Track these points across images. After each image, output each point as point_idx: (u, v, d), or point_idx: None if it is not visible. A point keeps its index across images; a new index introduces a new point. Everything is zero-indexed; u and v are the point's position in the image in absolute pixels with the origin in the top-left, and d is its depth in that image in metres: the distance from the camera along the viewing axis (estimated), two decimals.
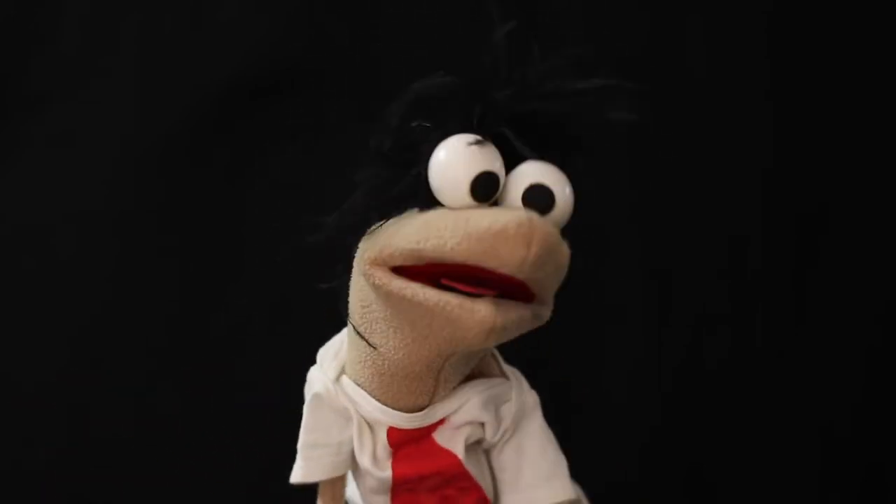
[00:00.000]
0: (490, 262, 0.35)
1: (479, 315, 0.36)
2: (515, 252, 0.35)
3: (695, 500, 0.73)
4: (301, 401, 0.47)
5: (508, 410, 0.44)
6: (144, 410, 0.72)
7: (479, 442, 0.45)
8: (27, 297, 0.72)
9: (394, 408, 0.43)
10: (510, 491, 0.45)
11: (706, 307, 0.73)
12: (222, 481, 0.71)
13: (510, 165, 0.38)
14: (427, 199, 0.38)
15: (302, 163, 0.70)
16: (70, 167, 0.72)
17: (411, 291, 0.37)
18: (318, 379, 0.45)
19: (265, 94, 0.71)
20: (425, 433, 0.43)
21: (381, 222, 0.39)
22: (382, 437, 0.44)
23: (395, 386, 0.42)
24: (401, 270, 0.38)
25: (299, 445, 0.46)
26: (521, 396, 0.45)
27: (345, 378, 0.44)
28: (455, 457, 0.43)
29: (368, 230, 0.40)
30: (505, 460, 0.45)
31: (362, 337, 0.42)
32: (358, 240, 0.41)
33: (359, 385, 0.43)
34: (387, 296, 0.39)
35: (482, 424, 0.44)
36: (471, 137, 0.37)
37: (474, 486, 0.44)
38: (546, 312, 0.39)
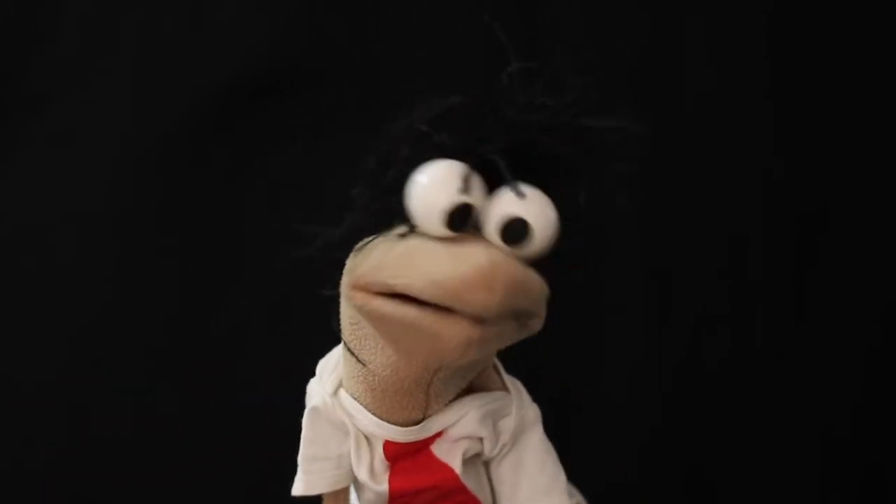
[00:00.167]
0: (455, 305, 0.36)
1: (455, 329, 0.36)
2: (479, 298, 0.35)
3: (695, 500, 0.73)
4: (301, 401, 0.47)
5: (507, 425, 0.44)
6: (144, 410, 0.72)
7: (477, 455, 0.45)
8: (27, 297, 0.72)
9: (389, 421, 0.43)
10: None
11: (706, 307, 0.73)
12: (222, 481, 0.71)
13: (496, 185, 0.38)
14: (408, 223, 0.38)
15: (302, 163, 0.70)
16: (70, 167, 0.72)
17: (390, 309, 0.37)
18: (317, 392, 0.45)
19: (265, 94, 0.71)
20: (423, 446, 0.43)
21: (369, 239, 0.40)
22: (380, 450, 0.44)
23: (388, 401, 0.42)
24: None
25: (299, 458, 0.46)
26: (521, 411, 0.44)
27: (342, 392, 0.44)
28: (452, 471, 0.43)
29: (355, 247, 0.40)
30: (503, 473, 0.45)
31: (353, 353, 0.42)
32: (346, 255, 0.41)
33: (355, 399, 0.44)
34: (368, 315, 0.39)
35: (480, 439, 0.44)
36: (452, 165, 0.37)
37: (472, 500, 0.45)
38: (536, 323, 0.40)
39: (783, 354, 0.73)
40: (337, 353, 0.46)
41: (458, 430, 0.43)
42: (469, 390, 0.44)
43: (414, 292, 0.36)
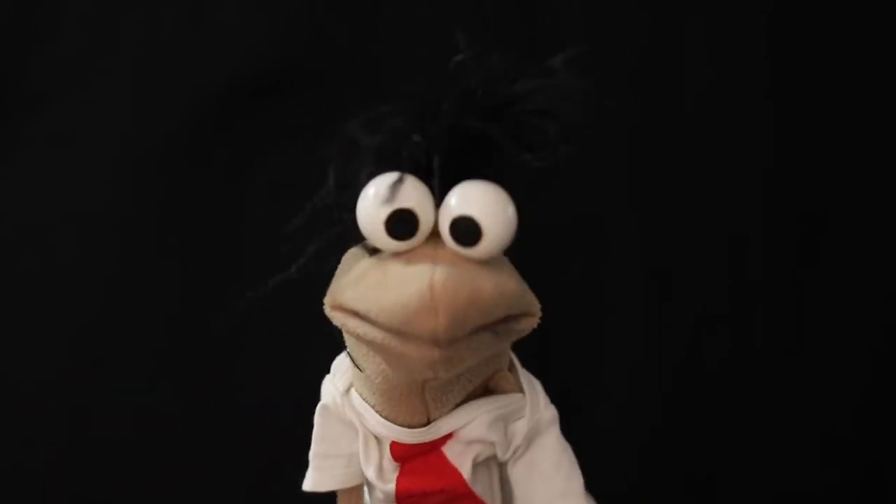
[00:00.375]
0: (408, 331, 0.35)
1: (418, 352, 0.36)
2: (424, 325, 0.35)
3: (695, 500, 0.73)
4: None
5: (520, 428, 0.43)
6: (144, 410, 0.72)
7: (490, 458, 0.44)
8: (27, 297, 0.72)
9: (395, 423, 0.42)
10: None
11: (706, 307, 0.73)
12: (222, 481, 0.71)
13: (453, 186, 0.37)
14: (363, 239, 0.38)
15: (302, 163, 0.70)
16: (70, 167, 0.72)
17: (362, 331, 0.37)
18: (328, 390, 0.45)
19: (265, 94, 0.71)
20: (434, 447, 0.43)
21: (351, 250, 0.40)
22: (388, 450, 0.44)
23: (390, 405, 0.42)
24: None
25: (311, 454, 0.46)
26: (535, 413, 0.44)
27: (353, 391, 0.44)
28: (460, 475, 0.43)
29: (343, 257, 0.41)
30: (519, 476, 0.44)
31: (352, 359, 0.42)
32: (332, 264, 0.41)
33: (364, 399, 0.43)
34: (347, 333, 0.40)
35: (492, 443, 0.43)
36: (389, 175, 0.37)
37: None
38: (526, 322, 0.39)
39: (783, 354, 0.73)
40: None
41: (467, 433, 0.43)
42: (484, 392, 0.43)
43: (370, 318, 0.36)
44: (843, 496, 0.73)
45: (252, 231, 0.72)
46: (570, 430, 0.45)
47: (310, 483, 0.47)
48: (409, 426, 0.42)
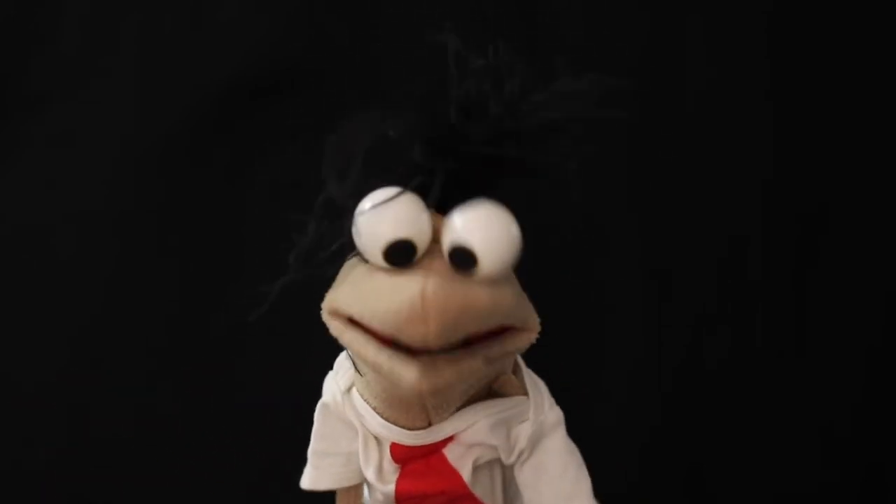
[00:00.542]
0: (401, 337, 0.35)
1: (406, 382, 0.36)
2: (416, 331, 0.35)
3: (695, 500, 0.73)
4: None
5: (524, 431, 0.43)
6: (144, 410, 0.72)
7: (492, 461, 0.44)
8: (27, 297, 0.72)
9: (396, 425, 0.42)
10: None
11: (706, 307, 0.73)
12: (222, 481, 0.71)
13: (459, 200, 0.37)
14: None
15: (302, 163, 0.70)
16: (70, 167, 0.72)
17: (356, 347, 0.38)
18: (329, 388, 0.45)
19: (265, 94, 0.71)
20: (435, 449, 0.43)
21: (352, 255, 0.39)
22: (388, 451, 0.43)
23: (391, 408, 0.42)
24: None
25: (309, 451, 0.46)
26: (539, 416, 0.43)
27: (355, 391, 0.44)
28: (460, 478, 0.43)
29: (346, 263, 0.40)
30: (526, 479, 0.44)
31: (353, 363, 0.42)
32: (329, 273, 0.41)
33: (365, 400, 0.43)
34: (343, 344, 0.39)
35: (494, 446, 0.43)
36: (385, 193, 0.36)
37: None
38: (520, 341, 0.39)
39: (783, 354, 0.73)
40: None
41: (468, 436, 0.42)
42: (488, 394, 0.43)
43: (364, 323, 0.36)
44: (843, 496, 0.73)
45: (252, 231, 0.72)
46: (570, 430, 0.45)
47: (307, 481, 0.46)
48: (410, 428, 0.42)
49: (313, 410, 0.46)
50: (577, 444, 0.45)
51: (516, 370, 0.44)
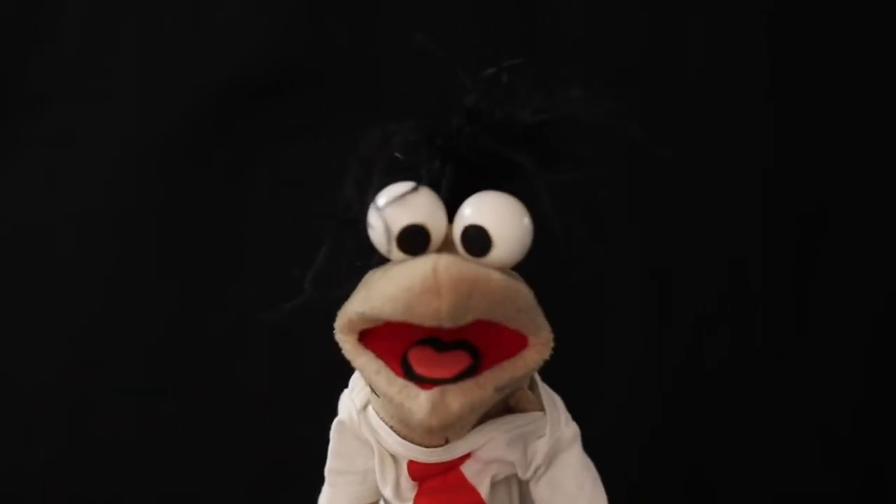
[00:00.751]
0: (412, 318, 0.35)
1: (415, 417, 0.36)
2: (428, 305, 0.35)
3: (695, 500, 0.73)
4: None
5: (541, 447, 0.43)
6: (144, 410, 0.72)
7: (510, 476, 0.44)
8: (27, 297, 0.72)
9: (413, 442, 0.42)
10: None
11: (706, 307, 0.73)
12: (222, 481, 0.71)
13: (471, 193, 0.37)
14: (378, 255, 0.38)
15: (302, 163, 0.70)
16: (70, 167, 0.72)
17: (367, 374, 0.38)
18: (345, 405, 0.45)
19: (265, 94, 0.71)
20: (452, 466, 0.42)
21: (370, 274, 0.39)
22: (405, 469, 0.43)
23: (407, 427, 0.42)
24: (369, 333, 0.38)
25: (326, 470, 0.46)
26: (555, 432, 0.43)
27: (371, 408, 0.44)
28: (478, 494, 0.42)
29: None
30: (541, 495, 0.44)
31: (367, 380, 0.42)
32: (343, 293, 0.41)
33: (381, 418, 0.43)
34: (356, 368, 0.39)
35: (511, 462, 0.43)
36: (400, 187, 0.37)
37: None
38: (532, 359, 0.38)
39: (783, 354, 0.73)
40: None
41: (485, 453, 0.42)
42: (504, 410, 0.43)
43: (376, 314, 0.36)
44: (843, 496, 0.73)
45: (252, 231, 0.72)
46: None
47: (325, 499, 0.46)
48: (427, 446, 0.42)
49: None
50: None
51: (532, 385, 0.44)
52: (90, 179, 0.72)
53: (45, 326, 0.72)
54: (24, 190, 0.72)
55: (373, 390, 0.42)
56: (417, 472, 0.43)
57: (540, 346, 0.38)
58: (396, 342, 0.37)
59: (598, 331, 0.72)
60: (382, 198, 0.37)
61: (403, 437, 0.42)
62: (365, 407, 0.44)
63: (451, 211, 0.38)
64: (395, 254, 0.37)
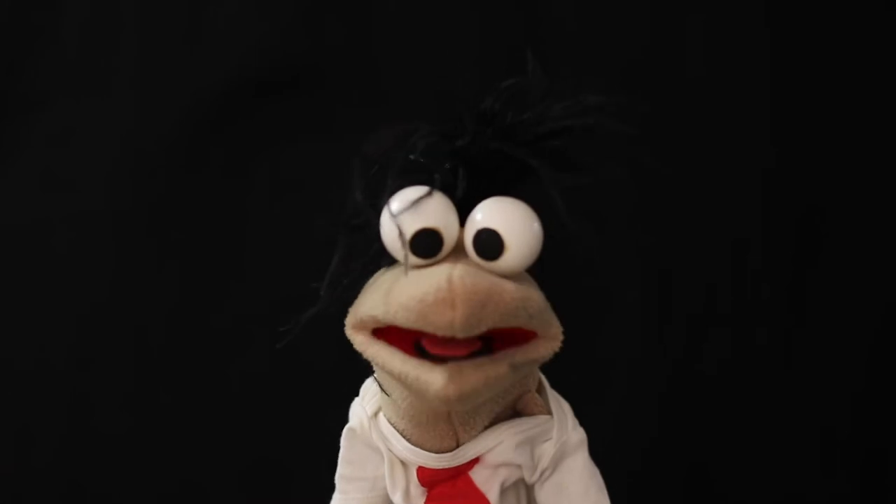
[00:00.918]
0: (425, 328, 0.35)
1: (433, 388, 0.36)
2: (442, 317, 0.35)
3: (695, 500, 0.73)
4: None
5: (547, 451, 0.43)
6: (144, 410, 0.72)
7: (518, 481, 0.44)
8: (27, 297, 0.72)
9: (423, 448, 0.42)
10: None
11: (706, 307, 0.73)
12: (221, 479, 0.71)
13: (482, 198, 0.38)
14: (388, 257, 0.38)
15: (302, 163, 0.70)
16: (69, 167, 0.72)
17: (381, 359, 0.38)
18: (356, 413, 0.45)
19: (265, 94, 0.71)
20: (461, 471, 0.43)
21: (377, 275, 0.40)
22: (414, 475, 0.43)
23: (418, 430, 0.42)
24: (383, 330, 0.38)
25: (336, 477, 0.46)
26: (562, 436, 0.43)
27: (381, 416, 0.44)
28: (486, 500, 0.43)
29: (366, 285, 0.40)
30: (546, 498, 0.44)
31: (379, 384, 0.42)
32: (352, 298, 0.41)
33: (391, 424, 0.43)
34: (368, 359, 0.39)
35: (519, 465, 0.43)
36: (413, 191, 0.37)
37: None
38: (544, 349, 0.39)
39: (783, 355, 0.73)
40: None
41: (494, 457, 0.42)
42: (512, 413, 0.43)
43: (389, 319, 0.36)
44: (843, 496, 0.73)
45: (252, 231, 0.72)
46: None
47: None
48: (439, 451, 0.42)
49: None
50: None
51: (540, 389, 0.44)
52: (90, 179, 0.72)
53: (44, 325, 0.72)
54: (23, 189, 0.72)
55: (384, 390, 0.42)
56: (427, 478, 0.43)
57: (550, 339, 0.39)
58: (408, 335, 0.37)
59: (598, 331, 0.72)
60: (396, 202, 0.37)
61: (413, 443, 0.42)
62: (376, 414, 0.44)
63: (461, 215, 0.38)
64: (411, 259, 0.37)
